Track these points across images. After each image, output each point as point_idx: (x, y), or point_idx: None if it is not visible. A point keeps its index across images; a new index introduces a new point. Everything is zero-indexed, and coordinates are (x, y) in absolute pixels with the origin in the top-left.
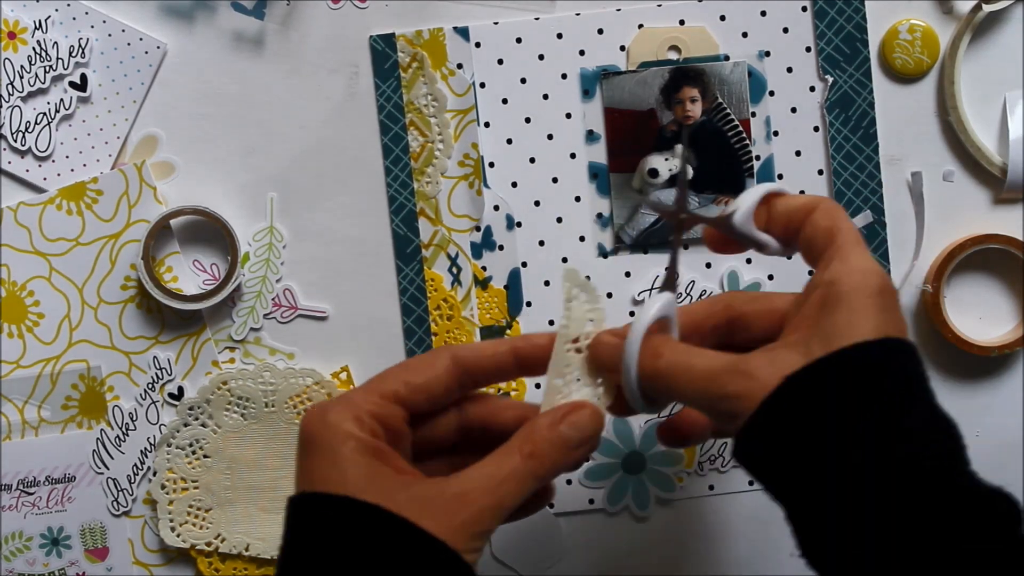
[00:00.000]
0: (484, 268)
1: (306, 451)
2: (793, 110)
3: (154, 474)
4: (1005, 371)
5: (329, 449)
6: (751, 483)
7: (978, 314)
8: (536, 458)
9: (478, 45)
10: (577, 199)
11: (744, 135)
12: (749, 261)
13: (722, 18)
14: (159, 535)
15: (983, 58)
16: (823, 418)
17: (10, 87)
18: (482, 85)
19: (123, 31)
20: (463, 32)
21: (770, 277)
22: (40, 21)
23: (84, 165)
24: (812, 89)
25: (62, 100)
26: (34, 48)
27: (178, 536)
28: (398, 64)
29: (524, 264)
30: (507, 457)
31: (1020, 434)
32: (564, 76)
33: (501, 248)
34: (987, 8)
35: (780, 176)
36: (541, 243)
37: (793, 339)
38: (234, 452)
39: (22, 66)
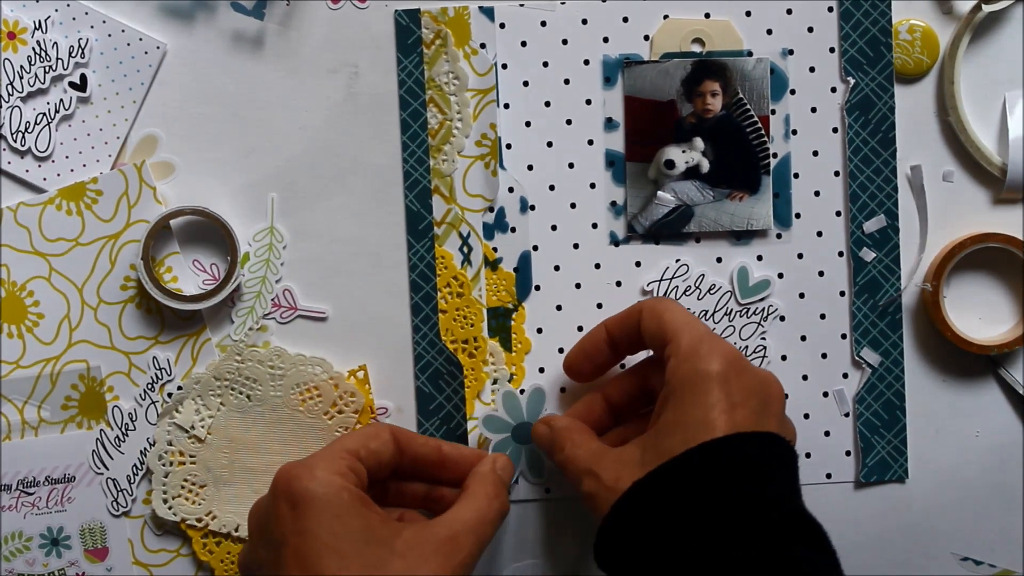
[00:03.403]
0: (495, 249)
1: (302, 506)
2: (813, 110)
3: (152, 444)
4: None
5: (327, 502)
6: None
7: (978, 313)
8: (498, 498)
9: (502, 26)
10: (592, 186)
11: (763, 132)
12: (760, 258)
13: (748, 14)
14: (151, 507)
15: (983, 58)
16: (650, 535)
17: (10, 87)
18: (504, 66)
19: (123, 31)
20: (488, 12)
21: (780, 275)
22: (40, 21)
23: (84, 165)
24: (833, 90)
25: (62, 100)
26: (34, 48)
27: (170, 508)
28: (421, 40)
29: (535, 247)
30: (478, 501)
31: (1020, 434)
32: (586, 62)
33: (513, 230)
34: (987, 8)
35: (796, 175)
36: (553, 227)
37: (641, 442)
38: (235, 432)
39: (22, 66)
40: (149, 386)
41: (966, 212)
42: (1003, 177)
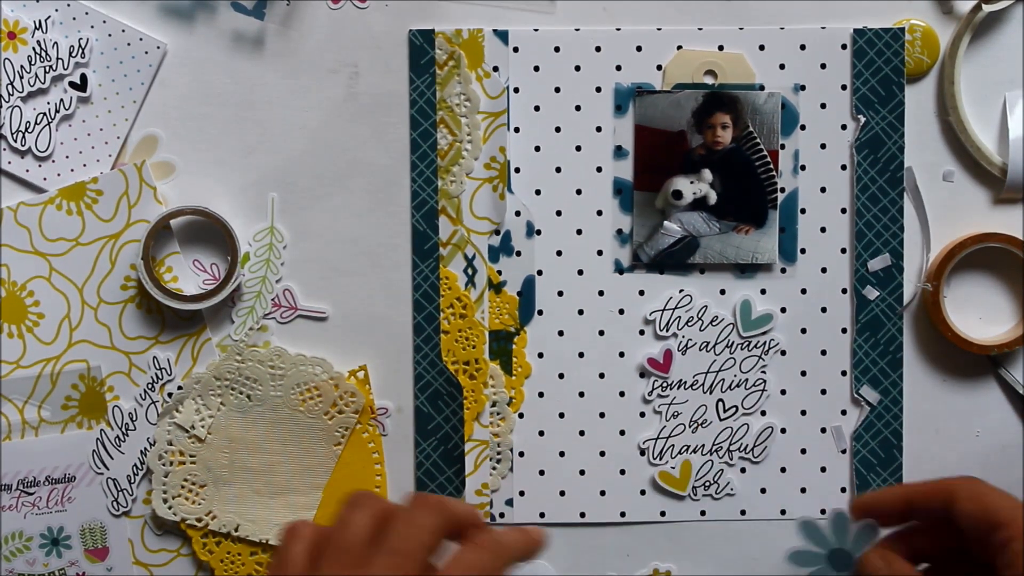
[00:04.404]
0: (500, 272)
1: None
2: (823, 146)
3: (152, 444)
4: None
5: None
6: (743, 512)
7: (978, 313)
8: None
9: (516, 50)
10: (599, 213)
11: (771, 166)
12: (764, 292)
13: (761, 48)
14: (151, 506)
15: (983, 58)
16: None
17: (10, 87)
18: (516, 90)
19: (123, 31)
20: (502, 35)
21: (783, 310)
22: (40, 21)
23: (84, 165)
24: (844, 127)
25: (62, 100)
26: (34, 48)
27: (170, 508)
28: (434, 61)
29: (540, 272)
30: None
31: (1020, 434)
32: (598, 89)
33: (519, 254)
34: (987, 8)
35: (803, 211)
36: (559, 253)
37: None
38: (235, 432)
39: (22, 66)
40: (149, 386)
41: (966, 212)
42: (1003, 177)
